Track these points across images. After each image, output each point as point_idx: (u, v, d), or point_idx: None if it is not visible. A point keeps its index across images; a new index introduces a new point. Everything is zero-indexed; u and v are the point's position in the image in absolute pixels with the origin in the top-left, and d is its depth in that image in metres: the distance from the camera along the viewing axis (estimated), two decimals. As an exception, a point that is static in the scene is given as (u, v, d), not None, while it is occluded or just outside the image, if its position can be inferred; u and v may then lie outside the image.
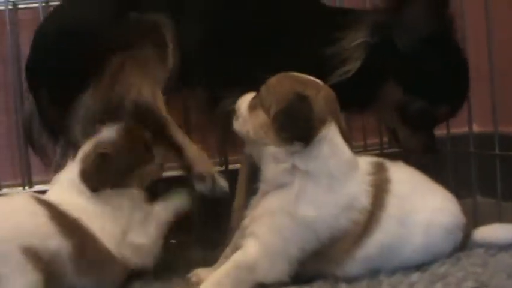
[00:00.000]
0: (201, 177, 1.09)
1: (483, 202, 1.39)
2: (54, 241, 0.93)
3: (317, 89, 0.94)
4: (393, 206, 0.95)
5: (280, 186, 0.93)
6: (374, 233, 0.93)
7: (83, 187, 1.03)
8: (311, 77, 0.97)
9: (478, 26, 1.35)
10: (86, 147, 1.08)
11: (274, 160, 0.93)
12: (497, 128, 1.32)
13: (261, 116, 0.94)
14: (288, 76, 0.96)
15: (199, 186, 1.10)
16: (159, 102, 1.12)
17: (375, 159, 1.01)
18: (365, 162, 0.98)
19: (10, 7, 1.45)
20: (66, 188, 1.05)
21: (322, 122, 0.91)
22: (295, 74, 0.97)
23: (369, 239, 0.93)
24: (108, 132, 1.09)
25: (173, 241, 1.33)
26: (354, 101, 1.14)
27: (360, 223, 0.92)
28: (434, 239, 0.96)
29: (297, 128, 0.91)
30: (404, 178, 1.00)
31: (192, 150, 1.11)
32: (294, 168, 0.92)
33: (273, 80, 0.96)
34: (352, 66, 1.12)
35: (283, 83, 0.95)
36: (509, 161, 1.31)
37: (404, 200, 0.96)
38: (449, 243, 0.99)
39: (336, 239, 0.91)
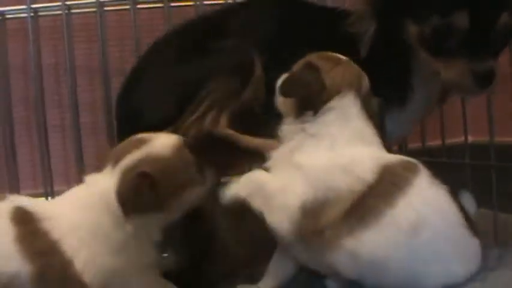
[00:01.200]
0: None
1: (479, 213, 1.37)
2: (13, 263, 0.88)
3: (335, 63, 0.97)
4: (405, 217, 0.86)
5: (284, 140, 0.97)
6: (370, 229, 0.86)
7: (115, 208, 0.91)
8: (338, 55, 0.99)
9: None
10: (127, 160, 0.94)
11: (289, 130, 0.96)
12: (493, 138, 1.31)
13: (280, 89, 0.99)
14: (315, 53, 1.00)
15: None
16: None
17: (413, 160, 0.94)
18: (392, 157, 0.94)
19: (32, 14, 1.44)
20: (88, 202, 0.94)
21: (334, 93, 0.94)
22: (327, 52, 1.00)
23: (362, 232, 0.86)
24: (159, 144, 0.95)
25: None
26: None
27: (354, 192, 0.88)
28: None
29: (300, 94, 0.95)
30: (431, 198, 0.90)
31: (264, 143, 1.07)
32: (302, 131, 0.94)
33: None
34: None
35: (306, 58, 0.99)
36: (505, 172, 1.29)
37: (421, 225, 0.86)
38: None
39: (329, 201, 0.88)
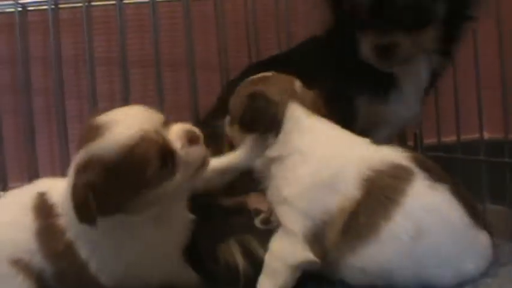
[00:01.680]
0: None
1: (493, 209, 1.37)
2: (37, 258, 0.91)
3: (266, 81, 0.99)
4: (403, 228, 0.86)
5: (268, 179, 0.97)
6: (369, 245, 0.87)
7: None
8: (262, 73, 1.02)
9: (489, 32, 1.34)
10: (79, 157, 0.85)
11: (256, 158, 0.98)
12: (508, 135, 1.30)
13: (235, 127, 1.01)
14: (240, 85, 1.03)
15: None
16: None
17: (405, 162, 0.91)
18: (376, 157, 0.92)
19: (19, 9, 1.46)
20: None
21: (281, 107, 0.96)
22: (249, 78, 1.03)
23: (363, 249, 0.87)
24: (112, 140, 0.83)
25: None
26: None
27: (344, 211, 0.89)
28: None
29: (259, 123, 0.96)
30: (429, 203, 0.89)
31: None
32: (270, 159, 0.96)
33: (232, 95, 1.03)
34: None
35: (237, 92, 1.02)
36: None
37: (421, 232, 0.86)
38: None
39: (326, 224, 0.89)
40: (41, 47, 1.52)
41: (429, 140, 1.54)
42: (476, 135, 1.42)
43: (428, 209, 0.88)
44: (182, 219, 0.96)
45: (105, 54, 1.55)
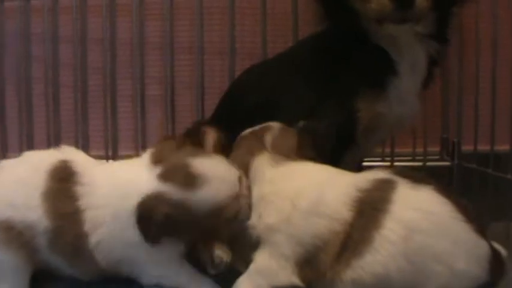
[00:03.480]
0: None
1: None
2: (32, 214, 0.96)
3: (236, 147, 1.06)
4: (394, 232, 0.88)
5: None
6: (365, 255, 0.89)
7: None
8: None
9: None
10: (170, 188, 0.93)
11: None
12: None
13: None
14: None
15: None
16: None
17: (386, 176, 0.94)
18: (360, 179, 0.95)
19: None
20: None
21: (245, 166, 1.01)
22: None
23: (359, 261, 0.89)
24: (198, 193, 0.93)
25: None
26: None
27: (337, 233, 0.91)
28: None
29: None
30: (415, 202, 0.90)
31: None
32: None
33: None
34: None
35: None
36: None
37: (411, 231, 0.88)
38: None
39: (319, 248, 0.91)
40: (98, 29, 1.60)
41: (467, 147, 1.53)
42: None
43: (414, 207, 0.89)
44: None
45: (158, 39, 1.63)
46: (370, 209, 0.91)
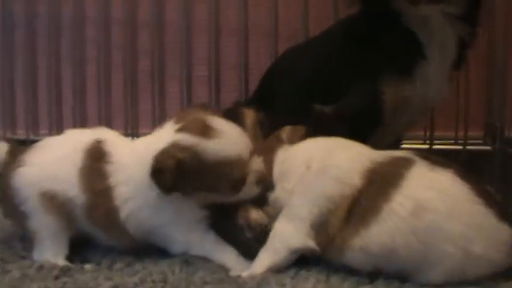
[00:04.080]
0: None
1: None
2: (73, 189, 1.05)
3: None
4: (403, 206, 0.90)
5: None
6: (372, 225, 0.92)
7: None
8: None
9: None
10: (179, 136, 1.00)
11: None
12: None
13: None
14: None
15: None
16: None
17: (404, 154, 0.98)
18: (377, 154, 0.99)
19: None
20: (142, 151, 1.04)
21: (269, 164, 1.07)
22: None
23: (366, 230, 0.92)
24: (214, 141, 0.99)
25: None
26: None
27: (346, 197, 0.94)
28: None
29: None
30: (430, 182, 0.92)
31: None
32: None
33: None
34: None
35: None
36: None
37: (421, 209, 0.89)
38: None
39: (331, 211, 0.95)
40: (147, 13, 1.68)
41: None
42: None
43: (428, 187, 0.91)
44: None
45: (204, 21, 1.68)
46: (381, 181, 0.94)
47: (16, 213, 1.09)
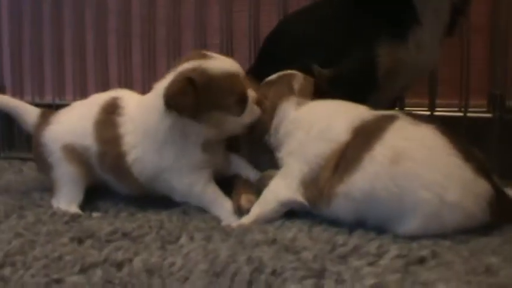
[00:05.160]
0: None
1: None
2: (88, 140, 1.19)
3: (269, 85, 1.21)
4: (382, 154, 0.95)
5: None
6: (354, 172, 0.97)
7: (162, 105, 1.09)
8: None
9: None
10: (183, 67, 1.11)
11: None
12: None
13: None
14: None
15: None
16: None
17: (392, 112, 1.04)
18: (368, 113, 1.05)
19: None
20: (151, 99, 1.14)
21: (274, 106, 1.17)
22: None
23: (349, 177, 0.98)
24: (216, 63, 1.10)
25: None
26: None
27: (335, 151, 1.01)
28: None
29: None
30: (410, 134, 0.97)
31: None
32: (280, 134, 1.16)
33: None
34: None
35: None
36: None
37: (400, 157, 0.94)
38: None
39: (321, 167, 1.02)
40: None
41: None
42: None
43: (406, 138, 0.96)
44: (218, 155, 1.19)
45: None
46: (365, 134, 1.00)
47: (45, 166, 1.23)
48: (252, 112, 1.14)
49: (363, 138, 1.00)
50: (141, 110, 1.17)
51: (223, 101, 1.11)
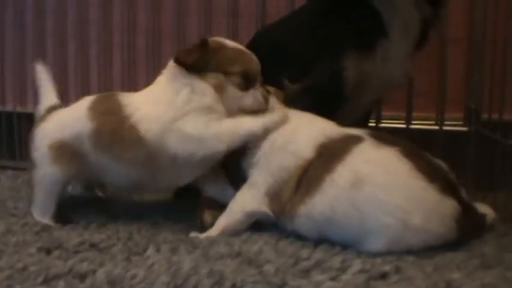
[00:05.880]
0: None
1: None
2: (79, 123, 1.13)
3: None
4: (343, 177, 0.96)
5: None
6: (315, 194, 0.98)
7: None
8: None
9: None
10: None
11: None
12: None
13: None
14: None
15: None
16: None
17: (358, 132, 1.04)
18: (334, 130, 1.06)
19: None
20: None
21: None
22: None
23: (310, 198, 0.99)
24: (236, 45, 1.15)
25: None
26: None
27: (299, 168, 1.02)
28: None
29: None
30: (373, 157, 0.98)
31: None
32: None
33: None
34: None
35: None
36: None
37: (361, 181, 0.95)
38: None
39: (284, 181, 1.04)
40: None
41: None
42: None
43: (368, 161, 0.97)
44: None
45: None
46: (328, 153, 1.01)
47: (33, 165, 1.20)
48: (256, 98, 1.13)
49: (326, 158, 1.01)
50: (146, 89, 1.17)
51: (229, 66, 1.11)
